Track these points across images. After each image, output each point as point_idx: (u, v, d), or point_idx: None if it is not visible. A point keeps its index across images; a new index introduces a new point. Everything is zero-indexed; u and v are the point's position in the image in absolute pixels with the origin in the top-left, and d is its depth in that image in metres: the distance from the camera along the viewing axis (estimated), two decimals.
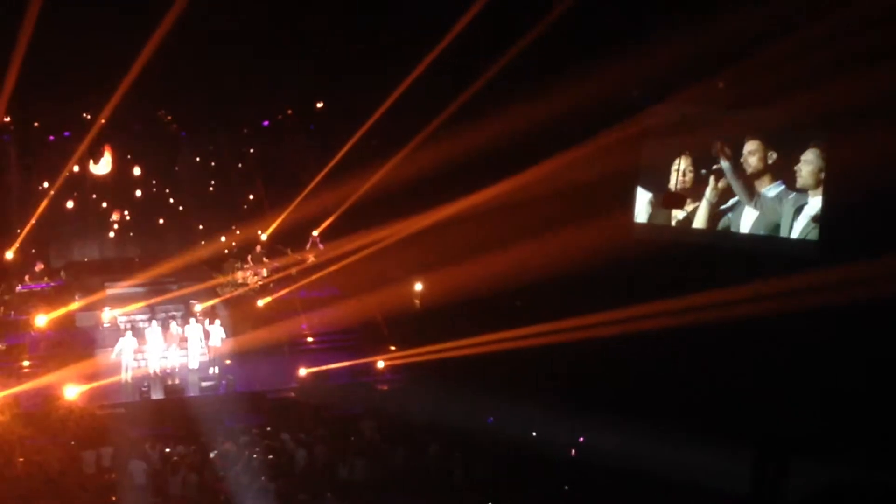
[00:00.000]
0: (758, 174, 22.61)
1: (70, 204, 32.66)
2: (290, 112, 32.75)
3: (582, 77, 21.40)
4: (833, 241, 20.91)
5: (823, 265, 19.08)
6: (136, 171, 33.09)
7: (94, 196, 32.88)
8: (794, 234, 22.23)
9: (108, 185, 33.06)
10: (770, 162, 22.45)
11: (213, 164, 35.05)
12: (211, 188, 35.14)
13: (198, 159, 34.77)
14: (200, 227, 33.65)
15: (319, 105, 31.16)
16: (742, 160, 22.76)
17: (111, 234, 34.26)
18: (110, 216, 33.67)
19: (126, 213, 33.79)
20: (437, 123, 26.01)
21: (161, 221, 34.53)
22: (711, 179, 23.43)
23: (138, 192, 33.70)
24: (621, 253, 22.51)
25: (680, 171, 23.66)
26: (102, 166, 32.60)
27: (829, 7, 17.70)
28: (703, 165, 23.55)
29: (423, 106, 25.78)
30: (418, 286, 27.59)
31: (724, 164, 23.04)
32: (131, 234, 34.38)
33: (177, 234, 34.13)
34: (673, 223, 24.63)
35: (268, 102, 31.42)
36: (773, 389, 19.65)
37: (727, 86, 21.28)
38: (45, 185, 31.20)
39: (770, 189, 22.43)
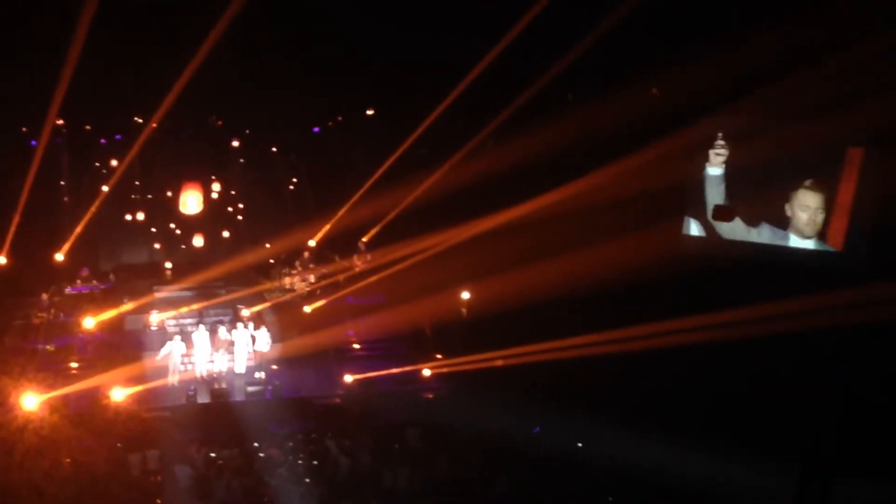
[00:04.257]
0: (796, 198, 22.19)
1: (141, 216, 33.25)
2: (339, 119, 32.79)
3: (633, 88, 21.25)
4: (884, 257, 20.47)
5: (873, 280, 18.66)
6: (216, 187, 33.63)
7: (133, 196, 33.19)
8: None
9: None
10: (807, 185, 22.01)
11: (263, 170, 35.07)
12: (264, 195, 35.13)
13: (249, 166, 34.86)
14: (267, 245, 33.39)
15: (370, 112, 31.18)
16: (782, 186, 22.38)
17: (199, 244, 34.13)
18: (191, 237, 33.90)
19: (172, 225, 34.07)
20: (486, 133, 25.97)
21: (226, 234, 34.63)
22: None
23: (213, 194, 34.01)
24: (670, 265, 22.24)
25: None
26: (193, 205, 32.83)
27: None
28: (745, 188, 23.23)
29: (473, 115, 25.72)
30: (465, 295, 27.47)
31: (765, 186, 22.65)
32: (183, 246, 34.49)
33: (234, 242, 34.25)
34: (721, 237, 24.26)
35: (318, 109, 31.47)
36: (819, 406, 19.29)
37: (780, 98, 20.87)
38: (105, 188, 31.46)
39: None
